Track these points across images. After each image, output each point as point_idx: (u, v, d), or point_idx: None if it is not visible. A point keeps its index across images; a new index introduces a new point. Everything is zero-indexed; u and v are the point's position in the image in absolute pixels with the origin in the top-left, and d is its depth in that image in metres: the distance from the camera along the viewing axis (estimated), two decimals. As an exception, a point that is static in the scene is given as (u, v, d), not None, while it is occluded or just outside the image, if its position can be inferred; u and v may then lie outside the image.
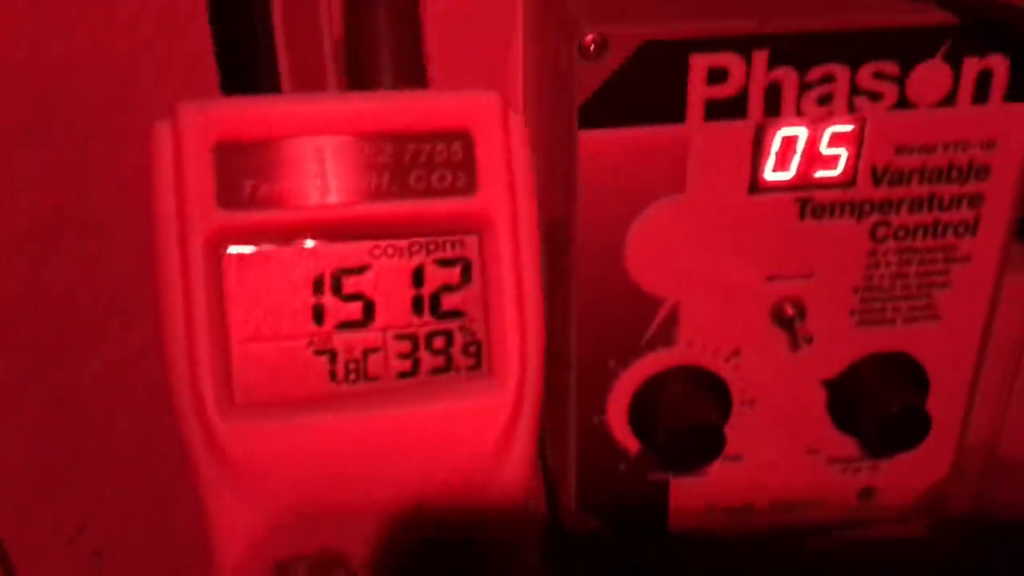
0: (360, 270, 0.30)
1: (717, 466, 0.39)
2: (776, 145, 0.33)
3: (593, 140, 0.32)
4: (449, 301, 0.30)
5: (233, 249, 0.29)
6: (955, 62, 0.32)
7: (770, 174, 0.34)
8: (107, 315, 0.45)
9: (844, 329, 0.37)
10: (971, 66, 0.33)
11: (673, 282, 0.35)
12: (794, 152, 0.33)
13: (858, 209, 0.34)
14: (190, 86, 0.40)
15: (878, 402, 0.36)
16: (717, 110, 0.32)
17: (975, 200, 0.35)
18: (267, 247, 0.29)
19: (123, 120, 0.41)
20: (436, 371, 0.30)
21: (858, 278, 0.36)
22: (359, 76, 0.33)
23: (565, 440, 0.39)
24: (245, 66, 0.33)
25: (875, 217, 0.35)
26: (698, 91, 0.32)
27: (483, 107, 0.29)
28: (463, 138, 0.29)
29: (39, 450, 0.47)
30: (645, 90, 0.32)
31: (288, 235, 0.29)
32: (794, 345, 0.36)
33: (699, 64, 0.31)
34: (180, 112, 0.28)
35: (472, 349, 0.30)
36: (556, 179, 0.35)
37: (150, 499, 0.49)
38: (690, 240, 0.34)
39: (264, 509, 0.30)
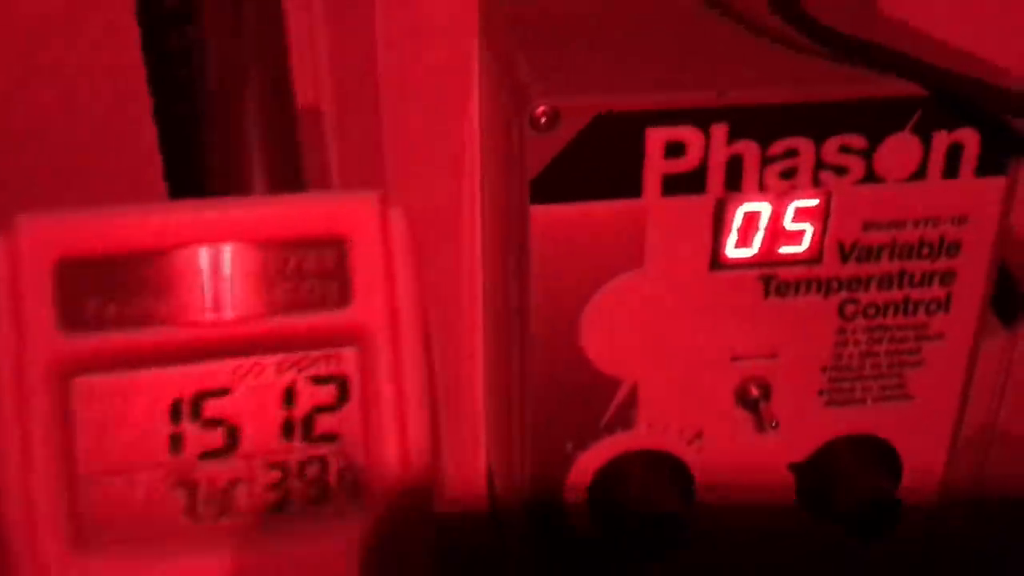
0: (222, 392, 0.27)
1: (681, 554, 0.37)
2: (738, 221, 0.31)
3: (546, 215, 0.31)
4: (324, 423, 0.27)
5: (79, 376, 0.26)
6: (924, 135, 0.31)
7: (732, 250, 0.32)
8: None
9: (812, 410, 0.35)
10: (941, 139, 0.31)
11: (632, 362, 0.33)
12: (757, 228, 0.32)
13: (825, 286, 0.33)
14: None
15: (847, 489, 0.35)
16: (675, 185, 0.31)
17: (947, 277, 0.33)
18: (117, 373, 0.26)
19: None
20: (309, 502, 0.28)
21: (826, 357, 0.34)
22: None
23: (520, 525, 0.36)
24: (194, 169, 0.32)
25: (843, 295, 0.33)
26: (655, 165, 0.30)
27: (358, 210, 0.27)
28: (335, 245, 0.27)
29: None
30: (600, 164, 0.30)
31: (140, 358, 0.26)
32: (759, 428, 0.34)
33: (656, 138, 0.30)
34: (18, 225, 0.25)
35: (349, 476, 0.28)
36: (511, 256, 0.34)
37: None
38: (649, 319, 0.33)
39: None
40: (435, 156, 0.40)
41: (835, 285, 0.33)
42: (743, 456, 0.35)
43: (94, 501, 0.27)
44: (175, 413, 0.27)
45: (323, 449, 0.28)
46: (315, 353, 0.27)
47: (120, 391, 0.27)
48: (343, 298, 0.27)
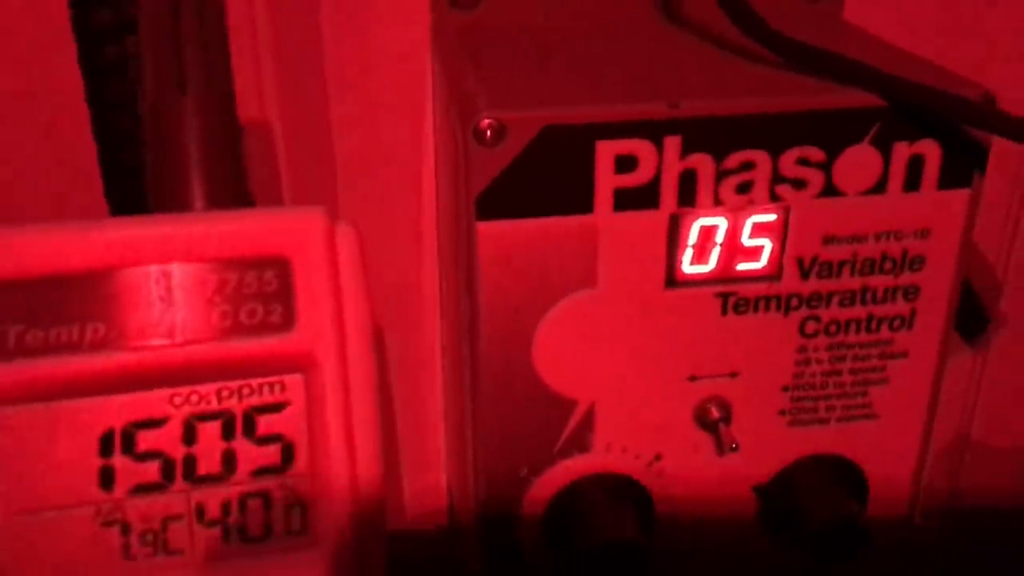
0: (158, 423, 0.25)
1: (642, 579, 0.35)
2: (693, 236, 0.30)
3: (493, 232, 0.29)
4: (267, 455, 0.26)
5: (2, 406, 0.24)
6: (884, 147, 0.30)
7: (688, 267, 0.31)
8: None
9: (774, 430, 0.34)
10: (901, 151, 0.30)
11: (587, 383, 0.32)
12: (713, 243, 0.31)
13: (785, 303, 0.32)
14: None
15: (812, 511, 0.34)
16: (628, 199, 0.29)
17: (910, 292, 0.32)
18: (42, 403, 0.24)
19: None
20: (251, 540, 0.26)
21: (787, 376, 0.33)
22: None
23: (474, 555, 0.35)
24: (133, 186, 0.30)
25: (804, 312, 0.32)
26: (606, 180, 0.29)
27: (302, 227, 0.25)
28: (278, 265, 0.25)
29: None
30: (549, 179, 0.29)
31: (66, 388, 0.25)
32: (720, 450, 0.33)
33: (606, 151, 0.29)
34: None
35: (295, 511, 0.26)
36: (462, 273, 0.32)
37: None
38: (604, 338, 0.31)
39: None
40: (389, 172, 0.39)
41: (795, 302, 0.32)
42: (704, 478, 0.34)
43: (18, 543, 0.25)
44: (106, 446, 0.25)
45: (267, 482, 0.26)
46: (258, 380, 0.26)
47: (46, 422, 0.25)
48: (287, 321, 0.26)
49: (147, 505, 0.26)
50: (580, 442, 0.33)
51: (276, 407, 0.26)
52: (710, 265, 0.31)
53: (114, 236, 0.25)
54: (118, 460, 0.25)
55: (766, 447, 0.34)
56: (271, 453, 0.26)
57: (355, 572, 0.27)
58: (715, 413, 0.33)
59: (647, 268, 0.31)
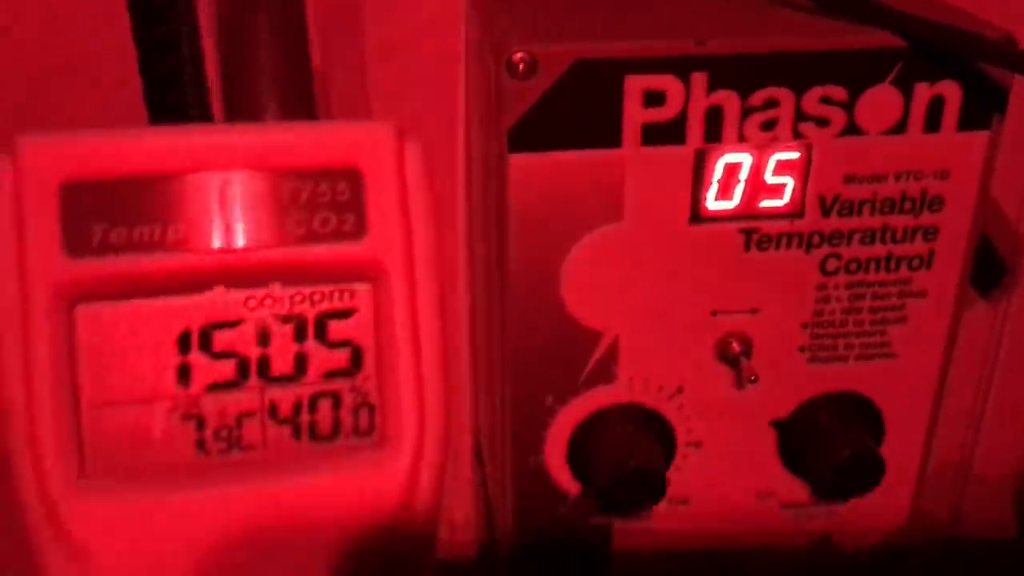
0: (233, 324, 0.26)
1: (662, 509, 0.37)
2: (718, 172, 0.31)
3: (524, 164, 0.31)
4: (336, 359, 0.27)
5: (84, 303, 0.25)
6: (905, 88, 0.31)
7: (713, 203, 0.32)
8: None
9: (793, 367, 0.35)
10: (922, 92, 0.31)
11: (612, 315, 0.33)
12: (737, 180, 0.32)
13: (806, 241, 0.33)
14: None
15: (829, 446, 0.35)
16: (655, 134, 0.30)
17: (930, 232, 0.33)
18: (124, 300, 0.25)
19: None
20: (320, 438, 0.27)
21: (807, 313, 0.34)
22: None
23: (503, 481, 0.36)
24: (172, 91, 0.31)
25: (825, 249, 0.33)
26: (634, 114, 0.30)
27: (374, 140, 0.26)
28: (350, 176, 0.26)
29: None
30: (578, 112, 0.30)
31: (148, 286, 0.25)
32: (739, 384, 0.34)
33: (634, 86, 0.30)
34: (22, 147, 0.24)
35: (363, 413, 0.27)
36: (491, 208, 0.34)
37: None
38: (629, 272, 0.33)
39: None
40: (421, 105, 0.40)
41: (816, 239, 0.33)
42: (724, 412, 0.35)
43: (99, 433, 0.26)
44: (183, 344, 0.26)
45: (336, 384, 0.27)
46: (329, 287, 0.27)
47: (126, 320, 0.26)
48: (358, 231, 0.26)
49: (222, 401, 0.27)
50: (604, 373, 0.34)
51: (346, 313, 0.27)
52: (734, 201, 0.32)
53: (197, 142, 0.26)
54: (195, 358, 0.26)
55: (785, 383, 0.35)
56: (341, 357, 0.27)
57: (418, 471, 0.27)
58: (736, 347, 0.34)
59: (672, 203, 0.32)
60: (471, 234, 0.42)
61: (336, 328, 0.27)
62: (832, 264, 0.33)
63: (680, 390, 0.35)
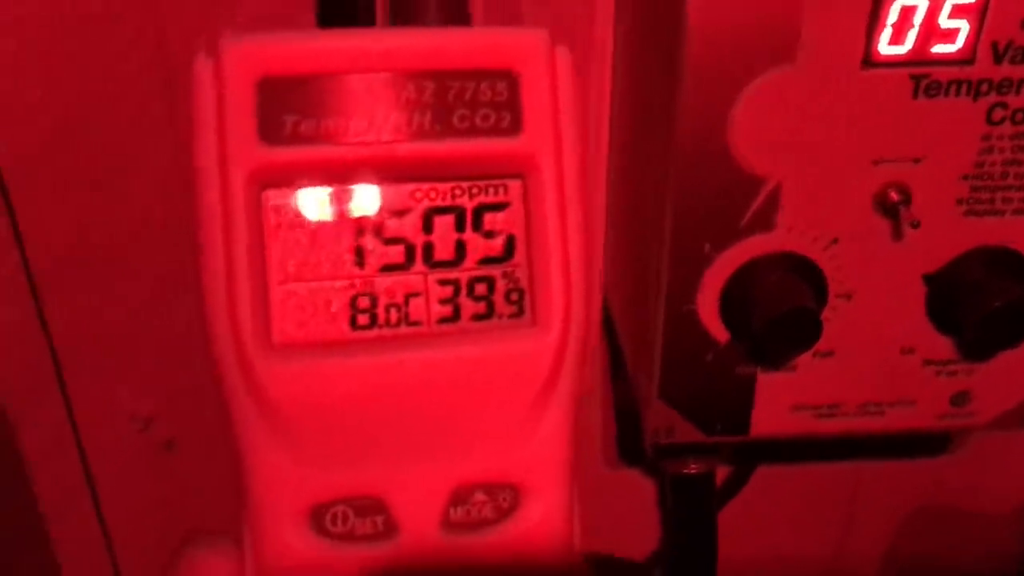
0: (402, 213, 0.29)
1: (806, 361, 0.38)
2: (893, 15, 0.32)
3: (702, 2, 0.31)
4: (491, 247, 0.29)
5: (274, 187, 0.28)
6: (1090, -70, 0.31)
7: (885, 48, 0.32)
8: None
9: (950, 219, 0.35)
10: (1107, -65, 0.31)
11: (776, 161, 0.34)
12: (911, 24, 0.32)
13: (975, 88, 0.33)
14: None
15: (979, 298, 0.35)
16: (835, -27, 0.31)
17: (1099, 84, 0.33)
18: (308, 186, 0.28)
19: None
20: (477, 317, 0.30)
21: (968, 164, 0.34)
22: (402, 12, 0.32)
23: (650, 329, 0.38)
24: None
25: (992, 98, 0.33)
26: (817, -49, 0.30)
27: (529, 45, 0.28)
28: (508, 77, 0.28)
29: (107, 337, 0.47)
30: (761, -51, 0.30)
31: (330, 174, 0.28)
32: (897, 234, 0.35)
33: (821, -79, 0.30)
34: (223, 47, 0.27)
35: (514, 296, 0.30)
36: (658, 51, 0.34)
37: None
38: (796, 117, 0.33)
39: (302, 450, 0.29)
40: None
41: (985, 87, 0.33)
42: (877, 265, 0.36)
43: (285, 306, 0.29)
44: (359, 229, 0.29)
45: (491, 270, 0.30)
46: (485, 182, 0.29)
47: (310, 204, 0.29)
48: (515, 127, 0.29)
49: (392, 282, 0.29)
50: (763, 221, 0.35)
51: (500, 206, 0.29)
52: (906, 46, 0.32)
53: (374, 43, 0.28)
54: (369, 241, 0.29)
55: (940, 236, 0.35)
56: (496, 245, 0.30)
57: (563, 349, 0.30)
58: (895, 197, 0.34)
59: (846, 46, 0.32)
60: (616, 80, 0.42)
61: (491, 219, 0.29)
62: (998, 114, 0.33)
63: (835, 240, 0.35)
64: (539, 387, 0.30)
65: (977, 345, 0.36)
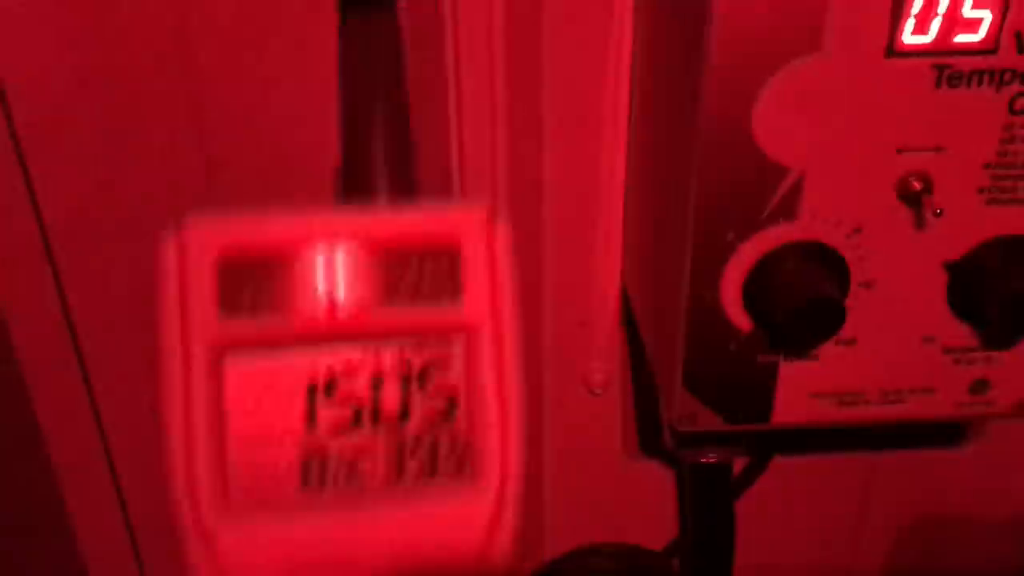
0: (352, 375, 0.31)
1: (828, 349, 0.38)
2: (917, 5, 0.32)
3: (731, -8, 0.31)
4: (436, 406, 0.31)
5: (232, 356, 0.30)
6: (1113, -80, 0.31)
7: (909, 37, 0.32)
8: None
9: (971, 208, 0.36)
10: None
11: (800, 150, 0.34)
12: (935, 14, 0.32)
13: (998, 78, 0.33)
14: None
15: (1001, 284, 0.35)
16: (860, -37, 0.31)
17: (1120, 74, 0.33)
18: (265, 354, 0.30)
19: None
20: (421, 476, 0.31)
21: (990, 153, 0.35)
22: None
23: (674, 318, 0.38)
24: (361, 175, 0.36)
25: (1015, 87, 0.33)
26: (843, -59, 0.31)
27: (469, 222, 0.31)
28: (450, 252, 0.31)
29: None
30: (787, -61, 0.31)
31: (285, 342, 0.30)
32: (919, 223, 0.35)
33: (847, -89, 0.30)
34: (185, 227, 0.30)
35: (457, 453, 0.31)
36: (683, 38, 0.34)
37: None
38: (821, 106, 0.33)
39: None
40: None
41: (1008, 76, 0.33)
42: (899, 253, 0.36)
43: (242, 468, 0.31)
44: (311, 392, 0.31)
45: (435, 428, 0.32)
46: (431, 348, 0.32)
47: (266, 371, 0.31)
48: (456, 296, 0.31)
49: (342, 443, 0.31)
50: (787, 210, 0.35)
51: (444, 366, 0.32)
52: (930, 36, 0.32)
53: (328, 222, 0.31)
54: (321, 404, 0.31)
55: (961, 224, 0.36)
56: (439, 405, 0.32)
57: (502, 503, 0.32)
58: (917, 186, 0.35)
59: (870, 35, 0.32)
60: (635, 71, 0.43)
61: (436, 379, 0.32)
62: (1021, 103, 0.34)
63: (858, 230, 0.36)
64: (479, 540, 0.32)
65: (998, 331, 0.37)
